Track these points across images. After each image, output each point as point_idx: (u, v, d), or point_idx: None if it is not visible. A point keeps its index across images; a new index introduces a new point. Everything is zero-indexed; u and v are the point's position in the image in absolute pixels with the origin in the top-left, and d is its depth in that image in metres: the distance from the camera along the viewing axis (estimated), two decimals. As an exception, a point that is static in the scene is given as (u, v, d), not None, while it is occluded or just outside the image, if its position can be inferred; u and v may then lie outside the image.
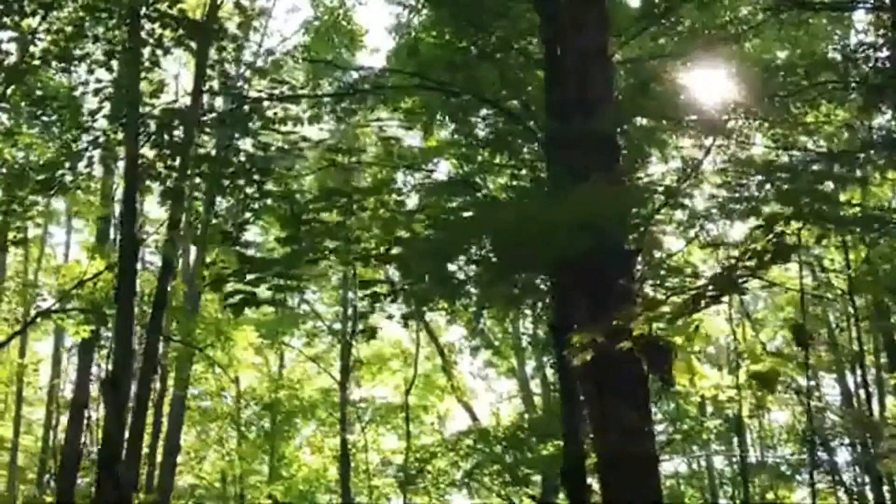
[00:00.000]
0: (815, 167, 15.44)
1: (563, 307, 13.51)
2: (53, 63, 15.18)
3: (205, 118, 15.64)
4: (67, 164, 15.04)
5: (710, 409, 33.99)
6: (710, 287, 10.00)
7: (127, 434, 22.26)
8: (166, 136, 14.67)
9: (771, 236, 9.81)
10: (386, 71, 16.85)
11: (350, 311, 36.54)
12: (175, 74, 26.45)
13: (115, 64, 15.26)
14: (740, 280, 10.51)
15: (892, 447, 21.15)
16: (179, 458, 36.96)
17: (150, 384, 22.73)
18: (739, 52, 22.02)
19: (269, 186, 15.08)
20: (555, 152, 14.48)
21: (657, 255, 24.08)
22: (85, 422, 24.74)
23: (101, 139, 15.15)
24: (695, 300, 9.83)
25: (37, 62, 15.05)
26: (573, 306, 13.12)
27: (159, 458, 30.34)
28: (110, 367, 24.66)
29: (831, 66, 18.72)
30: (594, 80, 14.77)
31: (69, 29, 14.83)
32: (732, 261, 10.86)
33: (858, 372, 30.71)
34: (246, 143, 16.81)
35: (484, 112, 17.05)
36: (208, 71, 15.94)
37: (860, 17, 23.04)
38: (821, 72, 18.47)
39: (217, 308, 32.99)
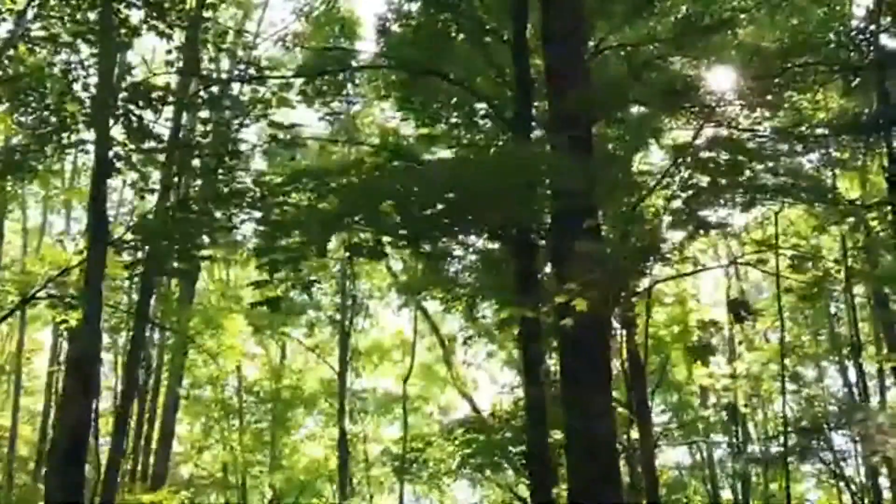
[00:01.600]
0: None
1: (526, 289, 13.40)
2: (20, 45, 15.09)
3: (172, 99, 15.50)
4: (34, 147, 14.94)
5: (713, 399, 33.91)
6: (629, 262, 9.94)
7: (113, 419, 22.42)
8: (134, 118, 14.56)
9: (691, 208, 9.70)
10: (354, 52, 16.68)
11: (349, 301, 36.54)
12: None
13: (82, 45, 15.20)
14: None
15: (864, 429, 20.92)
16: (180, 448, 37.04)
17: (137, 370, 22.74)
18: (733, 40, 21.87)
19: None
20: (522, 131, 14.36)
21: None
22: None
23: (69, 122, 15.03)
24: (616, 276, 9.74)
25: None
26: (536, 289, 13.06)
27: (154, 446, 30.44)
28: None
29: (814, 49, 18.51)
30: (564, 59, 14.68)
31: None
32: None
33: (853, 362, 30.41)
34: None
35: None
36: (176, 52, 15.86)
37: (863, 1, 22.86)
38: (804, 55, 18.30)
39: (213, 296, 33.11)
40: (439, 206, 10.13)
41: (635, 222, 22.10)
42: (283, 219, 11.07)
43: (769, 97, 20.48)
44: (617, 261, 10.92)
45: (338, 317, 37.37)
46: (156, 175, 16.10)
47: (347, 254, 15.24)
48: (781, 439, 26.84)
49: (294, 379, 38.94)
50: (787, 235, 28.17)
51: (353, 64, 18.58)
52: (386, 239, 10.42)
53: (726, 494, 37.02)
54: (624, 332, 28.66)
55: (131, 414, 30.60)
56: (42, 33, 15.21)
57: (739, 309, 11.39)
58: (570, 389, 13.62)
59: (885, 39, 18.35)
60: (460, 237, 11.76)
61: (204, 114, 16.80)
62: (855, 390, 31.44)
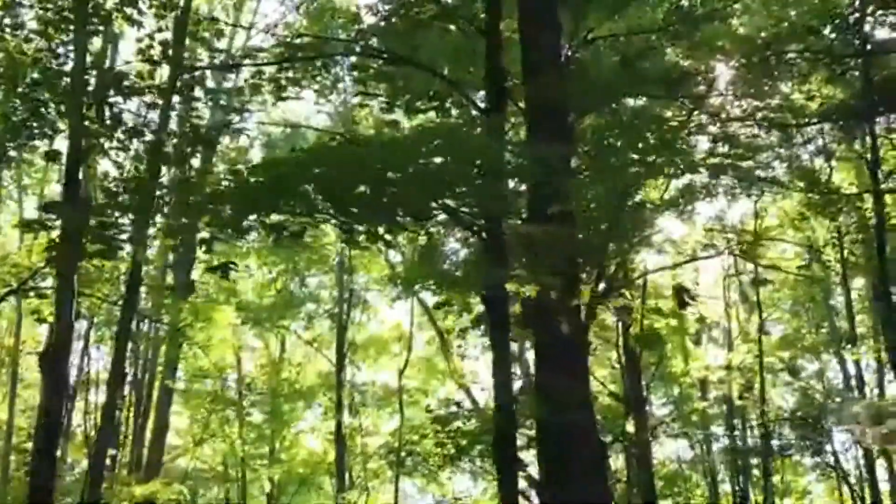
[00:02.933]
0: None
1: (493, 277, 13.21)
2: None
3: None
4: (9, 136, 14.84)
5: (714, 392, 33.71)
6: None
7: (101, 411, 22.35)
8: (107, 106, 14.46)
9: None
10: (324, 38, 16.47)
11: (346, 294, 36.48)
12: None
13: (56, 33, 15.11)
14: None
15: (839, 419, 20.75)
16: (179, 441, 37.00)
17: (124, 362, 22.63)
18: (727, 30, 21.68)
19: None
20: (495, 120, 14.20)
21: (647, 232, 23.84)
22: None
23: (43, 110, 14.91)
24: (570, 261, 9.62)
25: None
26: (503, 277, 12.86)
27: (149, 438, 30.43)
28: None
29: (801, 37, 18.31)
30: (541, 50, 14.53)
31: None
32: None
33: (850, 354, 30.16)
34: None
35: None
36: (147, 40, 15.75)
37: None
38: (792, 43, 18.13)
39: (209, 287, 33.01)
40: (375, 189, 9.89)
41: (624, 211, 22.02)
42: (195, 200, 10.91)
43: (762, 87, 20.45)
44: (572, 246, 10.72)
45: (335, 310, 37.30)
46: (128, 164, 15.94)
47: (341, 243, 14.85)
48: (762, 431, 26.74)
49: (293, 372, 38.84)
50: (783, 226, 27.96)
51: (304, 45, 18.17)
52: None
53: (729, 487, 36.87)
54: (619, 323, 28.53)
55: (120, 406, 30.65)
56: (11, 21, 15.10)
57: (683, 295, 11.17)
58: (544, 379, 13.47)
59: (870, 28, 18.19)
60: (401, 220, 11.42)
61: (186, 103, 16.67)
62: (854, 382, 31.23)
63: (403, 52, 15.41)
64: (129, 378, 33.81)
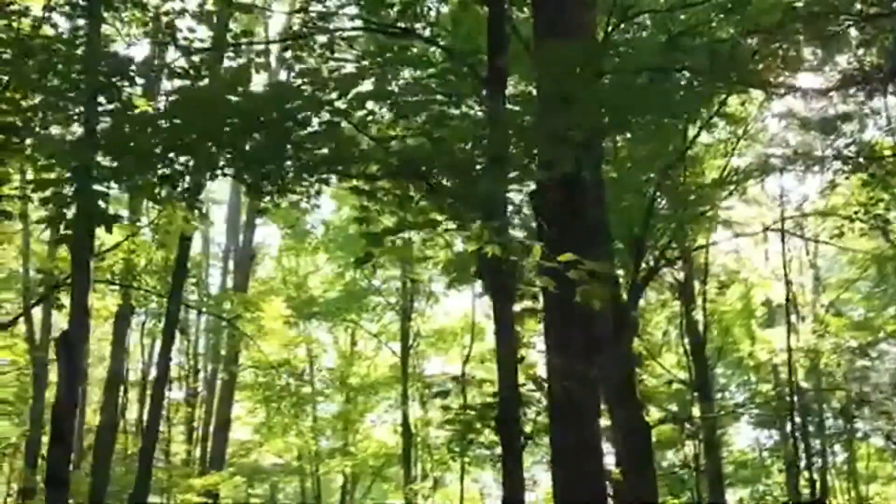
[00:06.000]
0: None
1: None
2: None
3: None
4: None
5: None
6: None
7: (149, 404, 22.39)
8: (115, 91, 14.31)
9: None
10: (327, 15, 16.18)
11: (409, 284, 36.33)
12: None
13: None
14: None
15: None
16: (250, 436, 37.20)
17: (170, 356, 22.67)
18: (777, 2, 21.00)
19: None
20: (496, 86, 13.74)
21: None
22: (121, 395, 25.02)
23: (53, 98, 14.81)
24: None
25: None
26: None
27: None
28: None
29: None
30: (564, 8, 14.02)
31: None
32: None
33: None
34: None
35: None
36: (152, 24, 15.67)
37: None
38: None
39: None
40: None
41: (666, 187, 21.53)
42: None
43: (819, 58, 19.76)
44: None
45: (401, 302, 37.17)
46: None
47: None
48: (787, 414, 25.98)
49: (364, 365, 38.90)
50: (851, 205, 26.98)
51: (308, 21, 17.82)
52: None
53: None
54: (683, 308, 27.88)
55: (190, 402, 30.90)
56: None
57: (642, 248, 10.59)
58: (550, 358, 13.03)
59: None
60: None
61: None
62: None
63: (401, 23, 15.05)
64: (200, 374, 34.27)
